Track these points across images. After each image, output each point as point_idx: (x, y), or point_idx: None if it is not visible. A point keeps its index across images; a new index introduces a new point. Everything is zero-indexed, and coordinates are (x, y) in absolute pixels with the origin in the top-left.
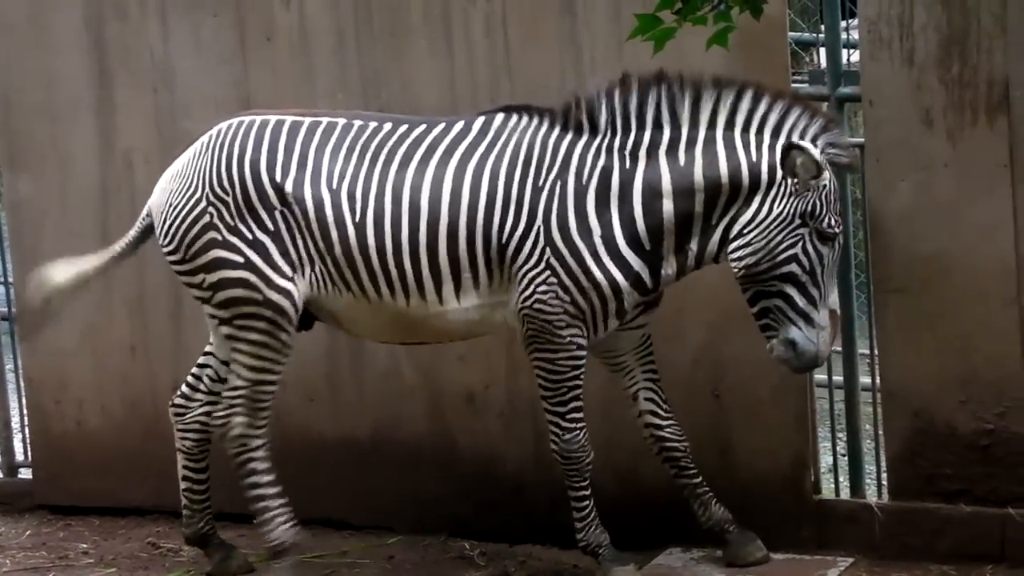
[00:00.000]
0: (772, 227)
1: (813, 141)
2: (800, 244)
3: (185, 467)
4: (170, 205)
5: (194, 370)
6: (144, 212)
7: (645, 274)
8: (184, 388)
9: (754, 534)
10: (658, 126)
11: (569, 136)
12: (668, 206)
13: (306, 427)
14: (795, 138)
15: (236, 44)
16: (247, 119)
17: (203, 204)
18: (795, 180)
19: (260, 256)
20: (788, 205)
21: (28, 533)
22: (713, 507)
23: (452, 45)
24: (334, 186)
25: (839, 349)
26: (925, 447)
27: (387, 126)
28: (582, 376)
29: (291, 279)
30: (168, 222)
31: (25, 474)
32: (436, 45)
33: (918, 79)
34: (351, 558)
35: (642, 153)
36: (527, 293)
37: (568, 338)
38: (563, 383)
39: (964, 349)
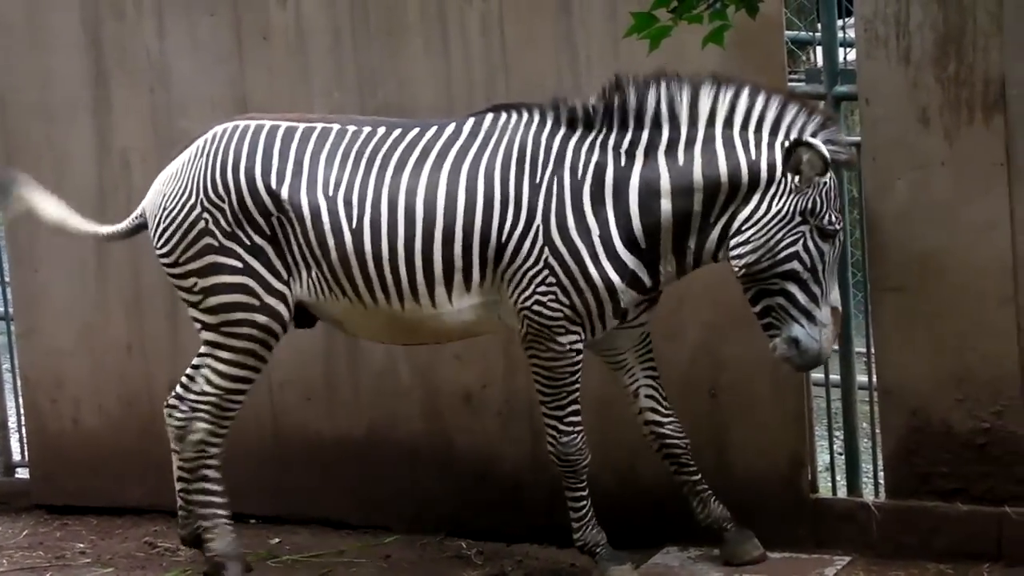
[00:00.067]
0: (772, 225)
1: (812, 138)
2: (801, 241)
3: (180, 467)
4: (164, 209)
5: (188, 370)
6: (137, 212)
7: (642, 273)
8: (179, 388)
9: (751, 533)
10: (656, 125)
11: (562, 131)
12: (666, 205)
13: (303, 426)
14: (793, 135)
15: (232, 43)
16: (242, 124)
17: (198, 210)
18: (798, 177)
19: (259, 261)
20: (788, 203)
21: (25, 533)
22: (712, 505)
23: (448, 44)
24: (330, 193)
25: (836, 348)
26: (922, 446)
27: (380, 131)
28: (580, 379)
29: (287, 283)
30: (162, 225)
31: (22, 473)
32: (432, 44)
33: (914, 77)
34: (348, 557)
35: (639, 152)
36: (526, 293)
37: (567, 345)
38: (561, 387)
39: (961, 348)
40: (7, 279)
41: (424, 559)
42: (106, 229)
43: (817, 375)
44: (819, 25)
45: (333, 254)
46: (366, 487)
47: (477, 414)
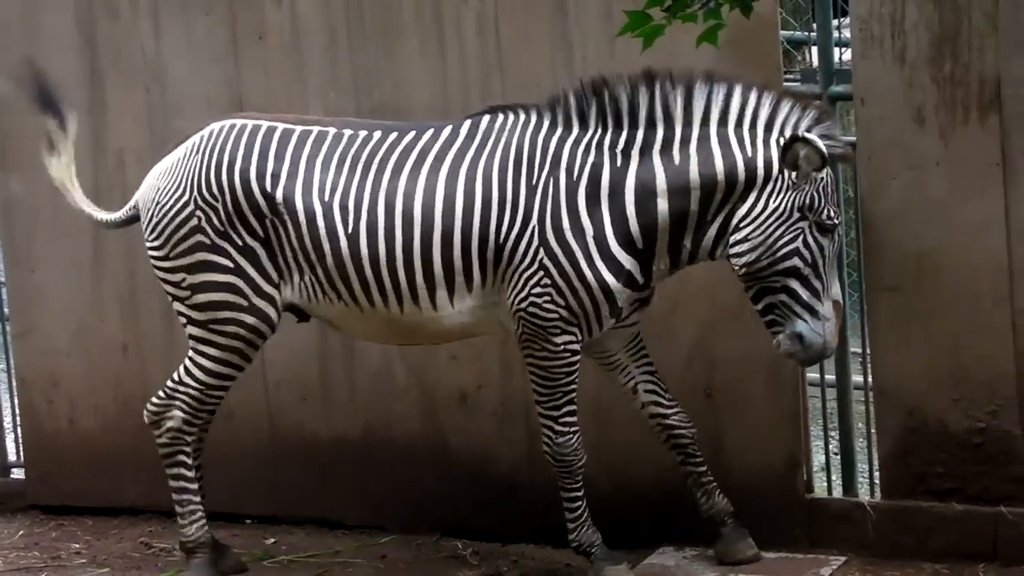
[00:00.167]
0: (771, 222)
1: (807, 133)
2: (800, 238)
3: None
4: (157, 203)
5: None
6: (131, 203)
7: (637, 272)
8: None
9: (747, 532)
10: (651, 125)
11: (558, 132)
12: (663, 205)
13: (299, 426)
14: (788, 131)
15: (228, 43)
16: (239, 123)
17: (191, 207)
18: (795, 173)
19: (250, 262)
20: (785, 199)
21: (20, 533)
22: (716, 497)
23: (444, 44)
24: (326, 197)
25: None
26: (917, 446)
27: (376, 134)
28: (577, 380)
29: (277, 286)
30: (155, 219)
31: (17, 474)
32: (428, 44)
33: (910, 77)
34: (344, 557)
35: (634, 152)
36: (522, 294)
37: (563, 346)
38: (557, 388)
39: (956, 347)
40: (3, 279)
41: (420, 559)
42: (102, 214)
43: (813, 375)
44: (814, 25)
45: (329, 258)
46: (362, 487)
47: (473, 414)
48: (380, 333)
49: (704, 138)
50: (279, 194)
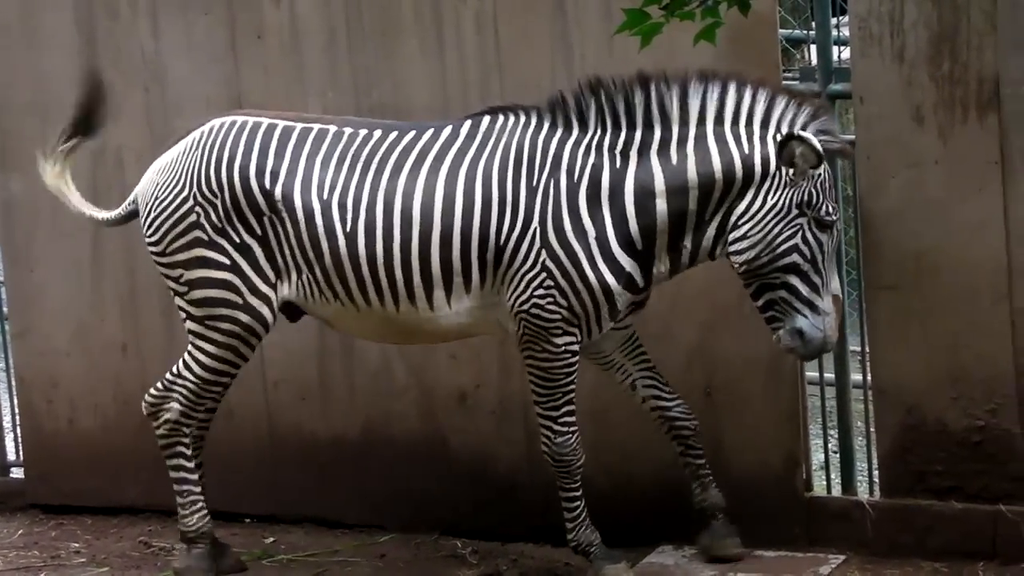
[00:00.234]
0: (769, 219)
1: (803, 129)
2: (799, 234)
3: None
4: (156, 198)
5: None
6: (130, 198)
7: (636, 274)
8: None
9: (736, 530)
10: (648, 126)
11: (558, 133)
12: (661, 205)
13: (298, 426)
14: (784, 127)
15: (227, 43)
16: (239, 119)
17: (190, 203)
18: (792, 170)
19: (246, 260)
20: (783, 196)
21: (20, 532)
22: (711, 490)
23: (443, 44)
24: (325, 196)
25: None
26: (916, 444)
27: (377, 133)
28: (575, 380)
29: (273, 285)
30: (153, 214)
31: (17, 473)
32: (427, 44)
33: (909, 76)
34: (343, 556)
35: (633, 153)
36: (523, 296)
37: (563, 347)
38: (557, 388)
39: (955, 346)
40: (2, 279)
41: (419, 558)
42: (101, 214)
43: (812, 373)
44: (813, 23)
45: (327, 257)
46: (361, 486)
47: (472, 414)
48: (376, 332)
49: (701, 137)
50: (278, 191)
